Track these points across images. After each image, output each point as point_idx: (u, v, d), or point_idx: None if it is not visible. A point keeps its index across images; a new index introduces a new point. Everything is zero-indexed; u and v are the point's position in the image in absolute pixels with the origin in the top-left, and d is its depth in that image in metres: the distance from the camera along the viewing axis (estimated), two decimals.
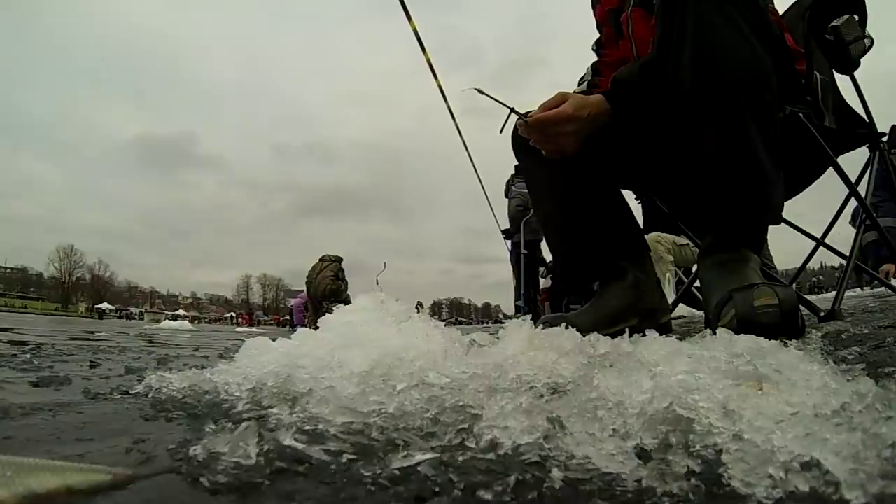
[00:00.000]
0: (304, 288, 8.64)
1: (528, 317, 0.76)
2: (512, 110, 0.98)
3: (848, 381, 0.45)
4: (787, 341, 0.59)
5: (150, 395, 0.71)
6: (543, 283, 5.69)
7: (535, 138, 1.00)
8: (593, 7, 1.32)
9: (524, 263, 5.60)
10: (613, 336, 0.69)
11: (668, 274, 3.76)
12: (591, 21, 1.34)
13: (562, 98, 0.97)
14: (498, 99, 0.96)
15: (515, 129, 1.19)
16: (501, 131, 1.08)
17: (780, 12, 1.28)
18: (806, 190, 1.33)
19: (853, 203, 1.46)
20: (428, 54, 2.85)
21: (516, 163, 1.30)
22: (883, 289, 2.37)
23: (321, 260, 8.27)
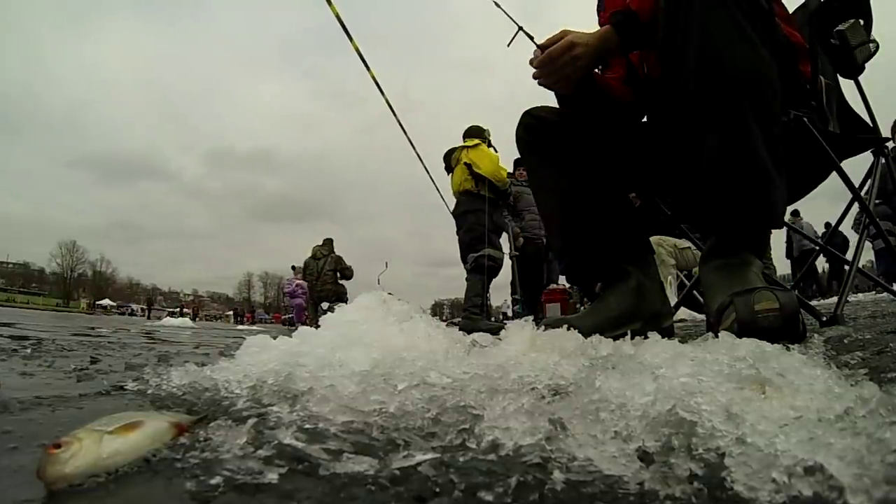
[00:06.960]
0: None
1: (530, 318, 0.76)
2: (520, 28, 1.18)
3: (851, 385, 0.45)
4: (789, 345, 0.58)
5: (149, 392, 0.71)
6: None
7: (542, 69, 1.07)
8: (598, 14, 1.32)
9: (517, 263, 5.53)
10: (615, 339, 0.68)
11: (669, 277, 3.76)
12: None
13: (564, 32, 1.05)
14: (513, 18, 1.21)
15: (520, 128, 1.19)
16: (508, 45, 1.24)
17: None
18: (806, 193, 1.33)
19: (856, 207, 1.45)
20: (373, 71, 2.99)
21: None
22: (886, 294, 2.36)
23: (314, 258, 7.91)
